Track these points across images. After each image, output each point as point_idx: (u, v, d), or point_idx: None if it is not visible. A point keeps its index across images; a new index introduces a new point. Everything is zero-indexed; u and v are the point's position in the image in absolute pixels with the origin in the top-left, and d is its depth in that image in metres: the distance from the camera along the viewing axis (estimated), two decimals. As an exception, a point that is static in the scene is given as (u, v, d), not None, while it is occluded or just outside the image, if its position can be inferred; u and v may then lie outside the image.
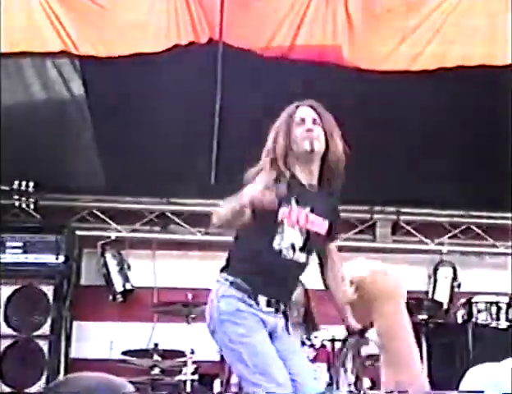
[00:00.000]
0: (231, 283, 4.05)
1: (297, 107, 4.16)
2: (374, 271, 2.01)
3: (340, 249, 7.14)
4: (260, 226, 3.94)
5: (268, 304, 4.05)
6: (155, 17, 5.89)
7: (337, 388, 5.48)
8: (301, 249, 4.09)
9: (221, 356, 5.85)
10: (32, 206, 7.31)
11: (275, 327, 4.14)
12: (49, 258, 7.05)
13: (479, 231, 7.71)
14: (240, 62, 6.01)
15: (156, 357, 6.25)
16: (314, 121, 4.11)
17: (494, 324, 6.42)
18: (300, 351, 4.41)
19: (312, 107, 4.16)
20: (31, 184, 7.19)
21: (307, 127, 4.07)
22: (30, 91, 6.54)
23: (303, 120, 4.10)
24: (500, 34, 5.75)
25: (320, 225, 4.13)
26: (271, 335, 4.12)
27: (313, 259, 4.29)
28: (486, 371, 1.82)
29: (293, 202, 4.01)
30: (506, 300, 6.46)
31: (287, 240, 4.05)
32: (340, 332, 5.65)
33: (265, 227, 3.99)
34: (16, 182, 7.17)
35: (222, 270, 4.13)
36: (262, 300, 4.04)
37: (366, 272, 2.01)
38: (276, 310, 4.09)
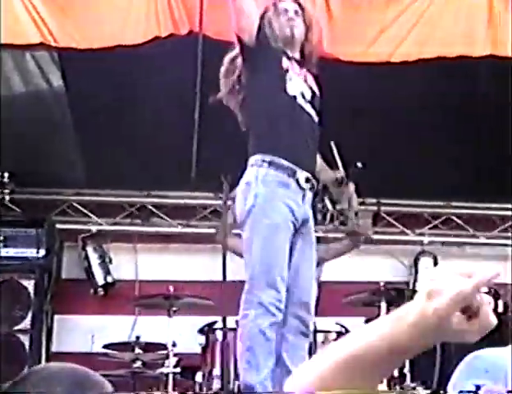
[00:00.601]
0: (270, 163, 4.14)
1: None
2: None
3: (321, 240, 7.20)
4: (269, 75, 4.33)
5: (307, 180, 4.20)
6: (134, 9, 5.86)
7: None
8: (310, 103, 4.37)
9: (203, 348, 5.86)
10: (7, 198, 7.28)
11: (306, 219, 4.23)
12: (30, 252, 7.02)
13: (460, 222, 7.74)
14: (220, 54, 5.99)
15: (138, 350, 6.24)
16: (296, 13, 4.57)
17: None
18: (312, 261, 4.40)
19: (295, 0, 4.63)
20: (6, 174, 7.16)
21: (289, 16, 4.53)
22: (9, 83, 6.50)
23: (286, 10, 4.56)
24: (478, 25, 5.76)
25: (316, 89, 4.49)
26: (298, 228, 4.19)
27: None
28: (485, 356, 1.80)
29: (292, 60, 4.44)
30: (486, 290, 6.48)
31: (296, 87, 4.34)
32: (323, 323, 5.67)
33: (274, 74, 4.34)
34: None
35: (251, 153, 4.25)
36: (302, 176, 4.17)
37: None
38: (312, 187, 4.25)
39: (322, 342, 5.60)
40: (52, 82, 6.52)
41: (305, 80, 4.44)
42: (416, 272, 7.48)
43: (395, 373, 5.96)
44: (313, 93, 4.45)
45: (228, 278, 5.21)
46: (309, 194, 4.26)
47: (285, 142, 4.21)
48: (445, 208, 7.77)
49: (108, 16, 5.86)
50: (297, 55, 4.55)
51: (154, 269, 7.39)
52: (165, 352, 6.04)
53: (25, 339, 6.78)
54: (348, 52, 5.85)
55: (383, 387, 5.76)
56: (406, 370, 5.88)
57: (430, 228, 7.74)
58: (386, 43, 5.85)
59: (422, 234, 7.70)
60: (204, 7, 5.65)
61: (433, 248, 7.63)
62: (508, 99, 6.17)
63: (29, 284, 6.91)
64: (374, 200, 7.73)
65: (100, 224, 7.60)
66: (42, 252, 7.03)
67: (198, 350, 5.93)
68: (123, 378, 6.21)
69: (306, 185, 4.21)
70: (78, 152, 7.04)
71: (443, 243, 7.70)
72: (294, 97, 4.30)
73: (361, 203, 7.75)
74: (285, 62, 4.38)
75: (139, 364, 6.18)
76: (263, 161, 4.16)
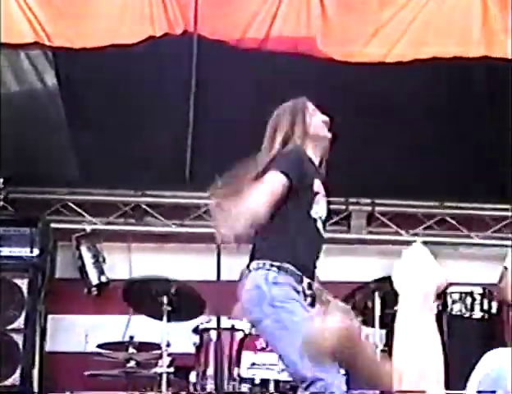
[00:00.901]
0: (280, 269, 4.04)
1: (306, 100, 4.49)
2: (406, 261, 1.91)
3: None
4: (300, 200, 4.16)
5: (309, 287, 4.12)
6: (129, 9, 5.85)
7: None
8: (324, 221, 4.27)
9: (197, 348, 5.86)
10: (1, 197, 7.27)
11: None
12: (23, 252, 7.00)
13: (454, 222, 7.75)
14: (215, 55, 6.00)
15: (131, 350, 6.23)
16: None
17: (468, 314, 6.46)
18: None
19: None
20: (1, 180, 7.16)
21: (323, 117, 4.42)
22: (3, 82, 6.49)
23: (314, 110, 4.43)
24: (473, 26, 5.77)
25: (327, 204, 4.35)
26: None
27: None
28: (502, 355, 1.81)
29: (316, 176, 4.29)
30: (480, 290, 6.51)
31: (320, 211, 4.24)
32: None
33: (305, 200, 4.18)
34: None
35: (258, 257, 4.10)
36: (305, 282, 4.10)
37: (401, 261, 1.92)
38: (312, 294, 4.16)
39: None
40: (46, 81, 6.51)
41: (325, 193, 4.33)
42: (410, 272, 7.47)
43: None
44: (329, 209, 4.36)
45: (222, 278, 5.22)
46: (309, 301, 4.18)
47: (298, 258, 4.17)
48: (439, 208, 7.77)
49: (103, 16, 5.85)
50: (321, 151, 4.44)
51: (148, 269, 7.37)
52: (159, 352, 6.04)
53: (19, 338, 6.76)
54: (342, 52, 5.84)
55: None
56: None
57: (424, 229, 7.74)
58: (381, 44, 5.85)
59: (416, 234, 7.69)
60: (199, 7, 5.66)
61: (427, 248, 7.62)
62: (504, 100, 6.19)
63: (23, 283, 6.89)
64: (368, 200, 7.73)
65: (94, 223, 7.58)
66: (36, 251, 7.02)
67: (192, 349, 5.93)
68: (117, 378, 6.20)
69: (308, 292, 4.13)
70: (72, 151, 7.03)
71: (437, 243, 7.70)
72: (315, 220, 4.20)
73: (355, 203, 7.78)
74: (316, 183, 4.25)
75: (132, 363, 6.17)
76: (272, 265, 4.03)
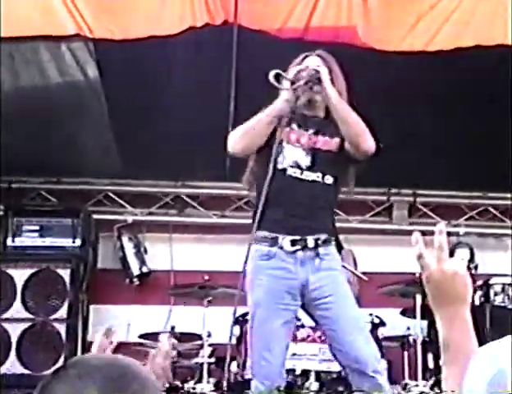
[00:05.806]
0: (255, 239, 4.11)
1: (305, 57, 4.36)
2: (443, 270, 1.90)
3: (357, 231, 7.21)
4: (266, 156, 4.15)
5: (293, 244, 4.05)
6: (169, 0, 5.87)
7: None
8: (309, 168, 4.15)
9: (238, 339, 5.87)
10: (45, 192, 7.36)
11: (307, 282, 4.06)
12: (66, 242, 7.08)
13: (496, 213, 7.67)
14: (255, 45, 5.98)
15: (173, 340, 6.27)
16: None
17: (511, 306, 6.40)
18: (348, 307, 4.13)
19: (319, 55, 4.34)
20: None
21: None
22: (46, 75, 6.53)
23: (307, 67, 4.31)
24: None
25: (327, 143, 4.21)
26: (307, 292, 4.07)
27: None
28: (486, 350, 1.77)
29: (294, 125, 4.21)
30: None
31: (289, 158, 4.16)
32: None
33: (269, 154, 4.14)
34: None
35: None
36: (286, 241, 4.06)
37: (435, 267, 1.91)
38: (304, 247, 4.05)
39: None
40: (87, 73, 6.54)
41: (309, 140, 4.22)
42: (452, 263, 7.42)
43: (431, 365, 5.92)
44: (315, 156, 4.19)
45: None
46: (307, 254, 4.08)
47: (269, 215, 4.10)
48: (481, 198, 7.70)
49: (144, 7, 5.87)
50: (320, 103, 4.34)
51: (189, 259, 7.40)
52: (200, 342, 6.06)
53: (61, 328, 6.83)
54: (383, 41, 5.79)
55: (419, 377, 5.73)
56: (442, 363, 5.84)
57: (466, 219, 7.68)
58: (422, 33, 5.79)
59: (458, 225, 7.63)
60: (239, -3, 5.65)
61: (469, 239, 7.57)
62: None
63: (66, 273, 6.96)
64: (410, 191, 7.68)
65: (135, 214, 7.63)
66: (78, 242, 7.09)
67: (233, 340, 5.93)
68: (158, 368, 6.23)
69: (293, 248, 4.05)
70: (113, 142, 7.06)
71: (479, 234, 7.63)
72: (284, 170, 4.15)
73: (397, 194, 7.74)
74: (282, 133, 4.22)
75: (174, 353, 6.19)
76: (253, 239, 4.13)
